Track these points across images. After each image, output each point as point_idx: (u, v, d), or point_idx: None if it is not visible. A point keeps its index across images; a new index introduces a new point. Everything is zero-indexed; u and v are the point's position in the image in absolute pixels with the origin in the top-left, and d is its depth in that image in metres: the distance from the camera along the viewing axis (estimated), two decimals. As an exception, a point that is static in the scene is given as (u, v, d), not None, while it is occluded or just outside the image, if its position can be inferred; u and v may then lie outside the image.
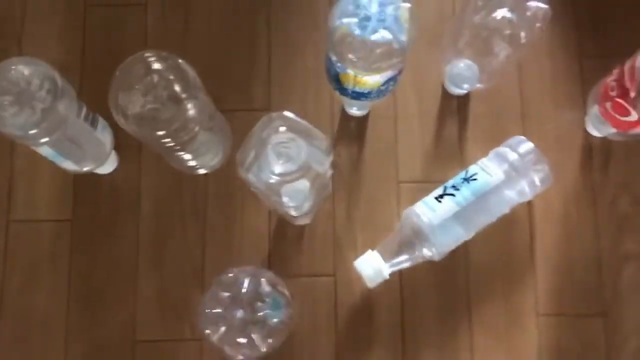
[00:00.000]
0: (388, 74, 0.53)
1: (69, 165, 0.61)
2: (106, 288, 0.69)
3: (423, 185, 0.69)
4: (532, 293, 0.69)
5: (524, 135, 0.72)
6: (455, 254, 0.67)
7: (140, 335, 0.68)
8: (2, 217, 0.70)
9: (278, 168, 0.48)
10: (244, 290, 0.47)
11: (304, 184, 0.52)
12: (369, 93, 0.57)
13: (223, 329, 0.46)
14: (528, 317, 0.69)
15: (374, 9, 0.50)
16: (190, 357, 0.67)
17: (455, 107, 0.73)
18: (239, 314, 0.46)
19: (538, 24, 0.51)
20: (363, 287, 0.67)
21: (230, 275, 0.48)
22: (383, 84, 0.55)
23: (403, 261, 0.65)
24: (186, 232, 0.70)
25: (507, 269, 0.70)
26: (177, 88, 0.50)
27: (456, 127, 0.73)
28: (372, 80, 0.54)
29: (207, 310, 0.47)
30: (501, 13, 0.51)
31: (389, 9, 0.50)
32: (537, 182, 0.66)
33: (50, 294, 0.69)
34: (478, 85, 0.68)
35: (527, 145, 0.66)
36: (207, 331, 0.47)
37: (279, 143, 0.48)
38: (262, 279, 0.48)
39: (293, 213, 0.55)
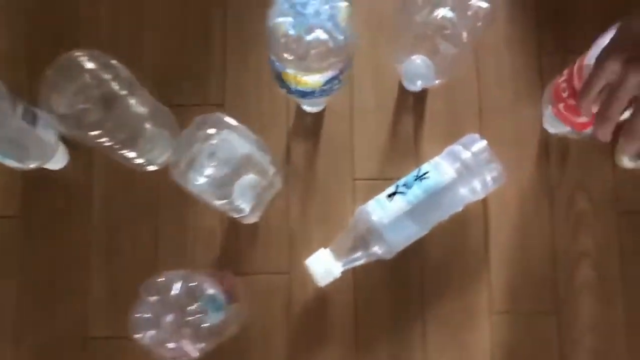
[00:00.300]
0: (328, 73, 0.52)
1: (12, 163, 0.60)
2: (57, 284, 0.69)
3: (378, 183, 0.69)
4: (486, 290, 0.69)
5: (481, 131, 0.71)
6: (409, 251, 0.67)
7: (91, 331, 0.68)
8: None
9: (208, 170, 0.47)
10: (174, 294, 0.46)
11: (249, 182, 0.52)
12: (313, 92, 0.57)
13: (152, 333, 0.46)
14: (481, 315, 0.68)
15: (309, 8, 0.49)
16: (140, 355, 0.66)
17: (411, 104, 0.73)
18: (169, 318, 0.46)
19: (479, 23, 0.50)
20: (317, 285, 0.67)
21: (161, 279, 0.47)
22: (325, 84, 0.54)
23: (355, 259, 0.64)
24: (138, 229, 0.70)
25: (461, 267, 0.69)
26: (109, 87, 0.49)
27: (412, 124, 0.72)
28: (312, 80, 0.53)
29: (136, 315, 0.46)
30: (441, 12, 0.50)
31: (326, 9, 0.49)
32: (489, 180, 0.65)
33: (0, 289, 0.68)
34: (435, 81, 0.67)
35: (480, 144, 0.65)
36: (137, 335, 0.46)
37: (210, 145, 0.47)
38: (194, 283, 0.47)
39: (234, 215, 0.54)
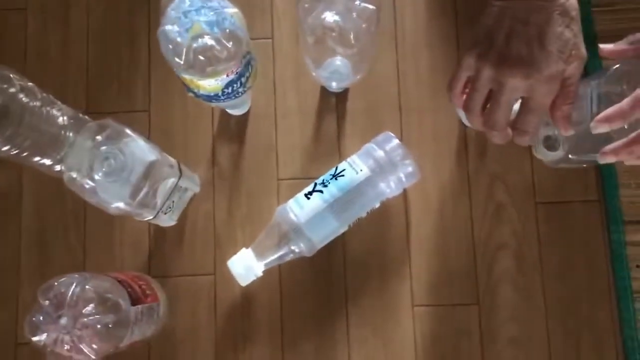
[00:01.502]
0: (224, 77, 0.54)
1: None
2: (-12, 292, 0.70)
3: (302, 182, 0.70)
4: (408, 284, 0.70)
5: (402, 128, 0.73)
6: (332, 247, 0.69)
7: (21, 337, 0.69)
8: None
9: (100, 175, 0.49)
10: (68, 297, 0.48)
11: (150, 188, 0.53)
12: (217, 96, 0.58)
13: (45, 336, 0.47)
14: (404, 309, 0.70)
15: (197, 15, 0.50)
16: None
17: (334, 104, 0.74)
18: (63, 320, 0.47)
19: (364, 25, 0.52)
20: (240, 285, 0.68)
21: (55, 283, 0.49)
22: (225, 87, 0.56)
23: (276, 258, 0.66)
24: (67, 234, 0.71)
25: (383, 261, 0.71)
26: (6, 97, 0.51)
27: (335, 124, 0.74)
28: (209, 84, 0.54)
29: (32, 319, 0.48)
30: (327, 16, 0.52)
31: (212, 15, 0.50)
32: (404, 177, 0.66)
33: None
34: (355, 78, 0.68)
35: (393, 142, 0.67)
36: (33, 338, 0.48)
37: (102, 151, 0.49)
38: (88, 287, 0.48)
39: (138, 218, 0.56)
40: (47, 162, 0.61)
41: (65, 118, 0.60)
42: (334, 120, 0.74)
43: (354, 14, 0.52)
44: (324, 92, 0.74)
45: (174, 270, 0.71)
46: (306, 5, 0.52)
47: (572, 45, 0.48)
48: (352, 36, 0.52)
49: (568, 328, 0.69)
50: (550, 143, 0.67)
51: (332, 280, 0.71)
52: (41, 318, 0.47)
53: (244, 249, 0.66)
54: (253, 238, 0.68)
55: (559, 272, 0.70)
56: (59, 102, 0.59)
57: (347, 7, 0.52)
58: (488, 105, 0.51)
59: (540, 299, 0.70)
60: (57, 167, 0.63)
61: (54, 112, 0.57)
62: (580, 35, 0.49)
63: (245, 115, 0.74)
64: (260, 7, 0.76)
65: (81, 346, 0.47)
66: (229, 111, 0.73)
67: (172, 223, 0.68)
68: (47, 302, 0.47)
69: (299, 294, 0.70)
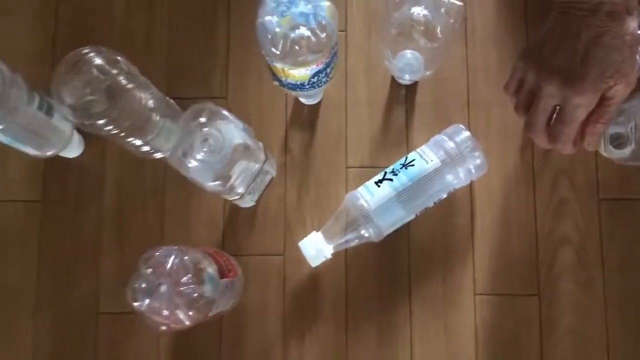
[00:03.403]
0: (314, 67, 0.57)
1: (30, 151, 0.66)
2: (72, 263, 0.75)
3: (370, 171, 0.73)
4: (470, 273, 0.73)
5: (469, 122, 0.75)
6: (398, 234, 0.71)
7: (102, 307, 0.74)
8: (-23, 197, 0.76)
9: (202, 156, 0.52)
10: (168, 267, 0.51)
11: (240, 167, 0.56)
12: (302, 85, 0.61)
13: (147, 301, 0.51)
14: (466, 297, 0.72)
15: (294, 7, 0.53)
16: (148, 329, 0.72)
17: (403, 96, 0.77)
18: (163, 288, 0.51)
19: (451, 20, 0.54)
20: (309, 266, 0.71)
21: (156, 253, 0.52)
22: (312, 76, 0.59)
23: (344, 242, 0.69)
24: (146, 212, 0.75)
25: (447, 250, 0.73)
26: (114, 80, 0.54)
27: (403, 115, 0.76)
28: (298, 73, 0.57)
29: (135, 285, 0.52)
30: (416, 10, 0.54)
31: (309, 8, 0.53)
32: (472, 169, 0.69)
33: (21, 269, 0.75)
34: (424, 74, 0.71)
35: (464, 134, 0.69)
36: (135, 304, 0.52)
37: (203, 133, 0.52)
38: (186, 258, 0.52)
39: (229, 197, 0.59)
40: (138, 142, 0.65)
41: (155, 101, 0.63)
42: (402, 112, 0.77)
43: (442, 10, 0.54)
44: (394, 84, 0.77)
45: (246, 249, 0.74)
46: (397, 0, 0.54)
47: (616, 68, 0.49)
48: (438, 30, 0.54)
49: (628, 322, 0.71)
50: (618, 141, 0.69)
51: (397, 266, 0.73)
52: (143, 285, 0.51)
53: (314, 232, 0.69)
54: (321, 222, 0.71)
55: (620, 268, 0.72)
56: (152, 86, 0.63)
57: (436, 3, 0.54)
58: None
59: (600, 293, 0.71)
60: (146, 148, 0.67)
61: (149, 95, 0.61)
62: (631, 60, 0.49)
63: (317, 105, 0.77)
64: (335, 1, 0.78)
65: (178, 312, 0.51)
66: (303, 100, 0.76)
67: (252, 204, 0.72)
68: (149, 270, 0.51)
69: (364, 278, 0.73)
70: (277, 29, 0.53)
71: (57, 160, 0.74)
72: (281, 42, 0.54)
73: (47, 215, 0.76)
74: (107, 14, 0.80)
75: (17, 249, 0.75)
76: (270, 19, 0.53)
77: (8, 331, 0.73)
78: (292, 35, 0.53)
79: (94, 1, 0.80)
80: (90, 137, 0.76)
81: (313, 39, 0.53)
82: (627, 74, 0.49)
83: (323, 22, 0.54)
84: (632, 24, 0.49)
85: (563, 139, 0.52)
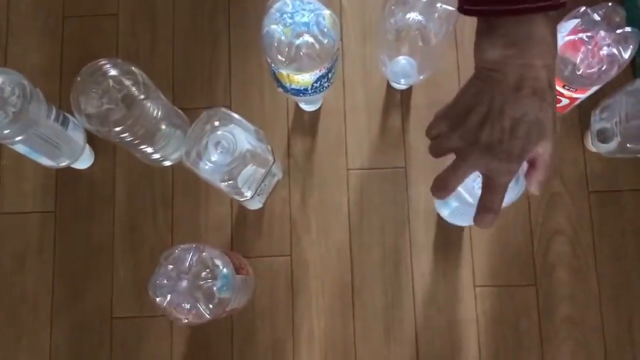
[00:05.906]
0: (317, 72, 0.60)
1: (45, 161, 0.69)
2: (86, 271, 0.77)
3: (370, 172, 0.77)
4: (470, 266, 0.76)
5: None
6: (400, 231, 0.75)
7: (116, 312, 0.76)
8: (-7, 209, 0.79)
9: (215, 157, 0.55)
10: (187, 264, 0.54)
11: (251, 169, 0.60)
12: (306, 90, 0.65)
13: (169, 296, 0.54)
14: (466, 289, 0.76)
15: (298, 16, 0.57)
16: (161, 331, 0.75)
17: (399, 100, 0.80)
18: (184, 283, 0.54)
19: (445, 25, 0.58)
20: (315, 265, 0.75)
21: (176, 250, 0.55)
22: (315, 82, 0.62)
23: None
24: (157, 219, 0.78)
25: (447, 245, 0.77)
26: (129, 90, 0.58)
27: (399, 118, 0.80)
28: (302, 78, 0.61)
29: (157, 282, 0.54)
30: (412, 15, 0.58)
31: (312, 16, 0.57)
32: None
33: (37, 277, 0.77)
34: (418, 78, 0.74)
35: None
36: (158, 299, 0.54)
37: (216, 136, 0.56)
38: (204, 254, 0.55)
39: (239, 198, 0.62)
40: (149, 149, 0.68)
41: (166, 110, 0.67)
42: (398, 115, 0.80)
43: (436, 15, 0.58)
44: (390, 89, 0.81)
45: (253, 251, 0.77)
46: (392, 7, 0.58)
47: (541, 136, 0.45)
48: (432, 34, 0.58)
49: (620, 309, 0.74)
50: (604, 136, 0.73)
51: (400, 262, 0.76)
52: (165, 281, 0.54)
53: None
54: (325, 222, 0.75)
55: (612, 257, 0.75)
56: (162, 96, 0.66)
57: (430, 8, 0.58)
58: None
59: (594, 281, 0.75)
60: (156, 156, 0.71)
61: (161, 105, 0.64)
62: (551, 110, 0.46)
63: (317, 111, 0.80)
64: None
65: (199, 306, 0.54)
66: (303, 107, 0.79)
67: (260, 206, 0.75)
68: (170, 267, 0.54)
69: (369, 274, 0.76)
70: (282, 37, 0.57)
71: (68, 171, 0.77)
72: (286, 49, 0.57)
73: (60, 225, 0.78)
74: (112, 32, 0.83)
75: (33, 259, 0.78)
76: (275, 28, 0.57)
77: (27, 338, 0.76)
78: (297, 42, 0.57)
79: (99, 20, 0.84)
80: (100, 148, 0.79)
81: (316, 45, 0.57)
82: (549, 135, 0.46)
83: (324, 30, 0.57)
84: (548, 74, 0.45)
85: (497, 207, 0.47)
